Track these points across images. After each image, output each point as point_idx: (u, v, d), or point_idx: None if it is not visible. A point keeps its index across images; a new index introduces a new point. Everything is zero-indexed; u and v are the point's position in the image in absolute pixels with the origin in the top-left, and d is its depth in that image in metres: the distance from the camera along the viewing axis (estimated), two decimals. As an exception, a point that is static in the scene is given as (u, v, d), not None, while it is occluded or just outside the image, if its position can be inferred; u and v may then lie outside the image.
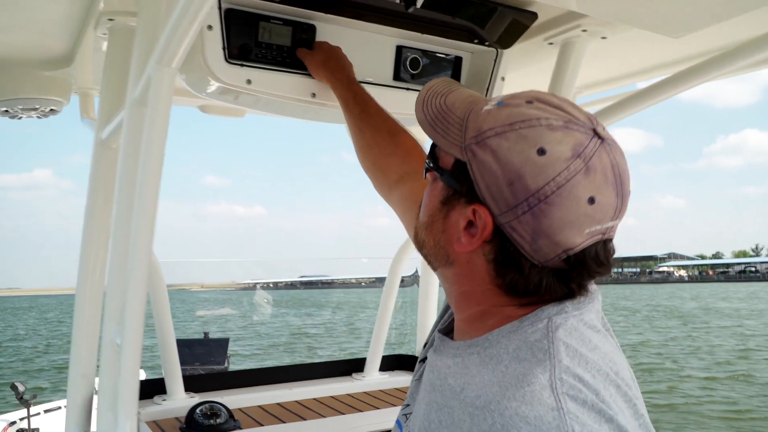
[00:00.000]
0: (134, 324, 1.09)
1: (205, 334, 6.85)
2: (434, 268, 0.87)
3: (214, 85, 1.35)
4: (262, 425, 1.68)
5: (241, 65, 1.35)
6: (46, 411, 6.16)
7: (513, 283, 0.75)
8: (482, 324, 0.78)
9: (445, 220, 0.79)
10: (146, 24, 1.19)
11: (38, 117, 2.14)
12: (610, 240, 0.75)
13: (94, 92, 2.14)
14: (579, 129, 0.71)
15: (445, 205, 0.79)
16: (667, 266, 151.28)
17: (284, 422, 1.71)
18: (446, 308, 0.94)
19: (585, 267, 0.73)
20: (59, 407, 6.40)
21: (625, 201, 0.73)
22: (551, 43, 1.68)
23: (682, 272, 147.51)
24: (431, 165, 0.81)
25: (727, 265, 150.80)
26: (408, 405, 0.89)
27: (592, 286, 0.80)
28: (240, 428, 1.65)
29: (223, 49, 1.32)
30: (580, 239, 0.70)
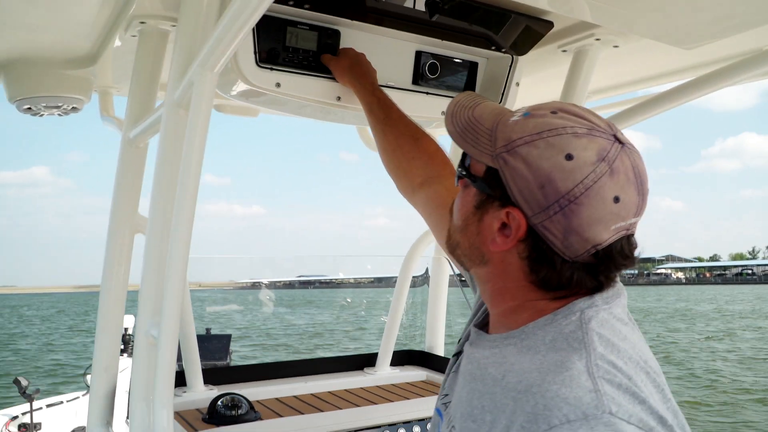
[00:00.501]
0: (172, 317, 1.14)
1: (207, 330, 6.89)
2: (467, 269, 0.93)
3: (244, 88, 1.40)
4: (281, 416, 1.74)
5: (271, 69, 1.40)
6: (48, 405, 6.18)
7: (546, 279, 0.81)
8: (517, 317, 0.85)
9: (480, 223, 0.84)
10: (186, 29, 1.24)
11: (59, 115, 2.19)
12: (633, 235, 0.81)
13: (114, 91, 2.19)
14: (601, 135, 0.78)
15: (478, 209, 0.85)
16: (665, 268, 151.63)
17: (303, 413, 1.76)
18: (481, 304, 1.00)
19: (612, 260, 0.80)
20: (61, 402, 6.43)
21: (645, 198, 0.80)
22: (565, 51, 1.73)
23: (680, 274, 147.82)
24: (463, 173, 0.87)
25: (724, 268, 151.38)
26: (447, 395, 0.95)
27: (618, 283, 0.86)
28: (260, 419, 1.70)
29: (255, 53, 1.37)
30: (607, 235, 0.77)
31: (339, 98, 1.50)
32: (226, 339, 6.46)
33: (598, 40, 1.65)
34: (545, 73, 1.91)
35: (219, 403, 1.69)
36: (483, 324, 0.96)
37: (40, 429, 5.08)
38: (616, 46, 1.67)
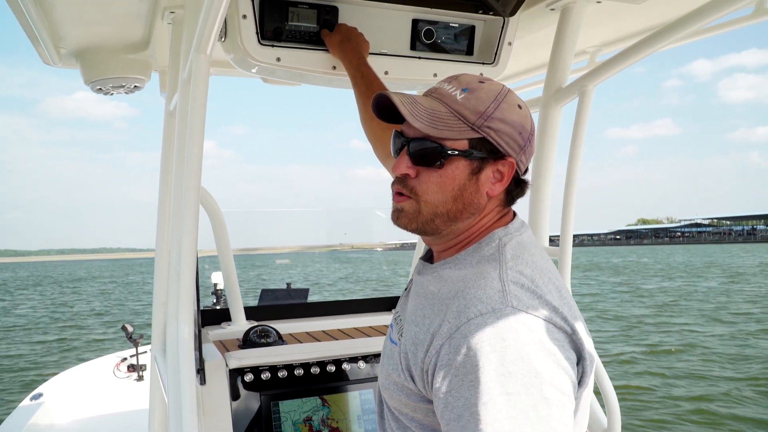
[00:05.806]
0: (188, 253, 1.42)
1: (288, 284, 7.42)
2: (439, 232, 1.09)
3: (251, 63, 1.64)
4: (301, 342, 2.03)
5: (272, 46, 1.62)
6: (152, 349, 6.88)
7: (516, 195, 1.10)
8: (455, 249, 1.10)
9: (477, 183, 1.06)
10: (189, 16, 1.49)
11: (125, 93, 2.54)
12: None
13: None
14: (511, 89, 1.06)
15: (475, 173, 1.05)
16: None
17: (319, 341, 2.04)
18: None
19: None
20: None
21: None
22: (553, 9, 1.83)
23: None
24: (452, 153, 1.03)
25: None
26: (398, 312, 1.20)
27: (520, 218, 1.13)
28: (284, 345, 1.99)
29: (256, 33, 1.59)
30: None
31: (334, 67, 1.70)
32: (304, 292, 6.98)
33: None
34: (539, 33, 2.01)
35: (252, 332, 1.99)
36: (428, 258, 1.20)
37: (144, 370, 5.72)
38: (598, 2, 1.76)
